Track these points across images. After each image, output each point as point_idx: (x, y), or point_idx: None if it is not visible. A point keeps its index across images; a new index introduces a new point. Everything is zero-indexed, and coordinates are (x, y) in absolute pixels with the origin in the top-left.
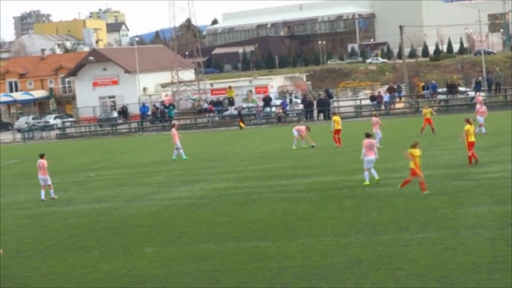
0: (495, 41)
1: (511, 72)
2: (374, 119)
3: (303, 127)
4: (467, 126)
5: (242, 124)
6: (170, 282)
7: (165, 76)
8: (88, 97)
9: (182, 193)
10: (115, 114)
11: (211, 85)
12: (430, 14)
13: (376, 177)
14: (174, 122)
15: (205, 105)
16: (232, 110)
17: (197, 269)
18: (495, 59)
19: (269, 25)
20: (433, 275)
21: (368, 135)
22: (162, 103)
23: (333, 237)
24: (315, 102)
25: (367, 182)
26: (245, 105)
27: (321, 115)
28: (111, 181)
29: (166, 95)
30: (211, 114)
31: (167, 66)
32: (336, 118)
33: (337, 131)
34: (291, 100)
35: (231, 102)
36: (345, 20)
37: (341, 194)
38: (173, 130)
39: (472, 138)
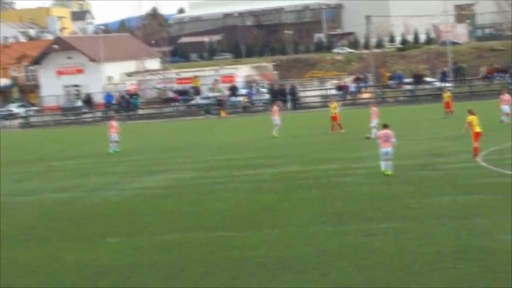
0: (461, 32)
1: (477, 62)
2: (373, 108)
3: (275, 107)
4: (470, 117)
5: (223, 113)
6: (134, 272)
7: (131, 65)
8: (52, 85)
9: (147, 183)
10: (79, 103)
11: (177, 74)
12: (397, 4)
13: (389, 171)
14: (114, 114)
15: (171, 94)
16: (198, 100)
17: (161, 259)
18: (461, 49)
19: (236, 15)
20: (397, 265)
21: (385, 126)
22: (127, 92)
23: (298, 227)
24: (287, 90)
25: (386, 172)
26: (210, 94)
27: (288, 105)
28: (75, 171)
29: (132, 84)
30: (177, 104)
31: (133, 55)
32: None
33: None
34: (258, 90)
35: (197, 92)
36: (312, 10)
37: (306, 184)
38: (111, 122)
39: (477, 129)
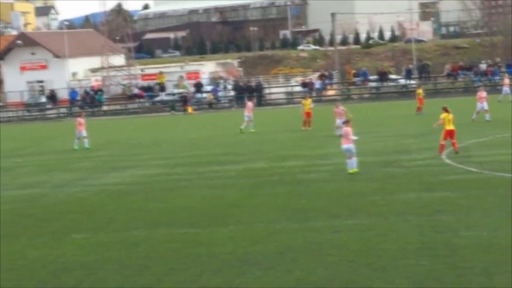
0: (426, 30)
1: (441, 60)
2: (339, 108)
3: (250, 104)
4: (444, 114)
5: (189, 109)
6: (99, 268)
7: (95, 61)
8: (16, 81)
9: (112, 179)
10: (43, 99)
11: (142, 71)
12: (362, 2)
13: (351, 169)
14: (81, 111)
15: (136, 91)
16: (163, 96)
17: (126, 256)
18: (426, 47)
19: (201, 11)
20: (362, 261)
21: (346, 122)
22: (92, 88)
23: (264, 223)
24: (253, 86)
25: (349, 171)
26: (176, 90)
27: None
28: (40, 167)
29: (96, 80)
30: (142, 100)
31: (97, 51)
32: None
33: (306, 114)
34: (225, 87)
35: (162, 88)
36: (277, 6)
37: (272, 181)
38: (79, 118)
39: (450, 126)
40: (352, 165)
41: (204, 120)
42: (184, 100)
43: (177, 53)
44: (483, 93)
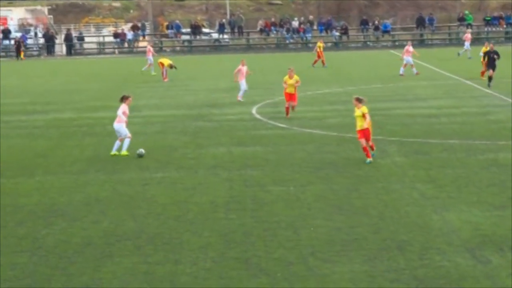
0: None
1: (254, 16)
2: (244, 67)
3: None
4: (285, 77)
5: (22, 55)
6: None
7: None
8: None
9: None
10: None
11: None
12: None
13: (124, 151)
14: None
15: None
16: None
17: None
18: (239, 2)
19: None
20: (171, 214)
21: (123, 99)
22: None
23: (72, 174)
24: (62, 37)
25: (113, 152)
26: None
27: (63, 50)
28: None
29: None
30: None
31: None
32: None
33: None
34: (36, 34)
35: None
36: None
37: (81, 132)
38: None
39: (290, 90)
40: (124, 147)
41: (12, 68)
42: (17, 45)
43: None
44: (410, 47)
